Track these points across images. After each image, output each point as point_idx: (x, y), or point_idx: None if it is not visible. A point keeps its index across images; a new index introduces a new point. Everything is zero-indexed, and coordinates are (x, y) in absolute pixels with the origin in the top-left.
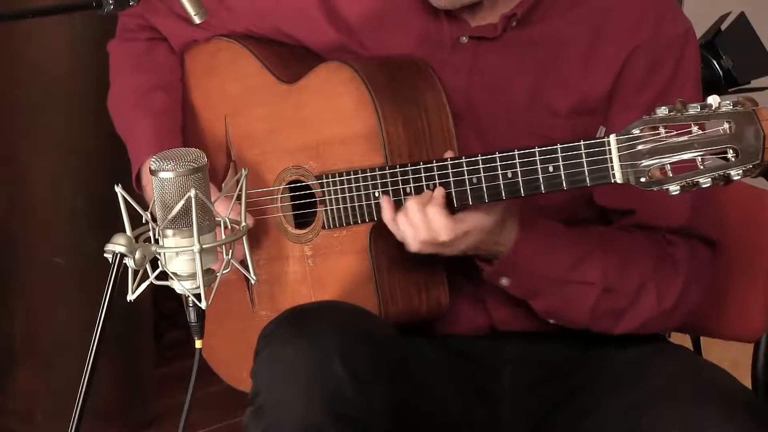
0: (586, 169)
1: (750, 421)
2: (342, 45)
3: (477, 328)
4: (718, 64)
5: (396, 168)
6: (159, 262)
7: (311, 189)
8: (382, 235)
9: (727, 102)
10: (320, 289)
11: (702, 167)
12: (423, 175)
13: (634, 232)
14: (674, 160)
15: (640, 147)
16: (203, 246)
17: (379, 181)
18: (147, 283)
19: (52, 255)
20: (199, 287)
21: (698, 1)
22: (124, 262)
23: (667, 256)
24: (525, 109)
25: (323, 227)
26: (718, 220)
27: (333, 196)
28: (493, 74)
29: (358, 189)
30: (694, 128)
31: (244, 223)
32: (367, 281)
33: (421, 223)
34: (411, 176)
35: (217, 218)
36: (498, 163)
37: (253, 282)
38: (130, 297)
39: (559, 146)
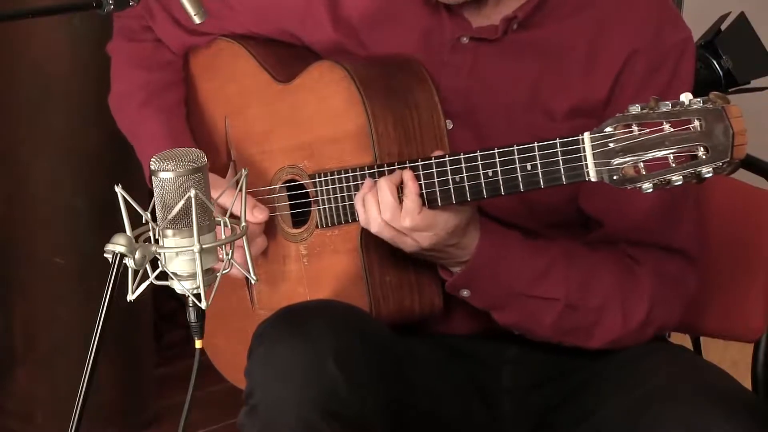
0: (561, 167)
1: (750, 422)
2: (342, 45)
3: (473, 327)
4: (718, 64)
5: (384, 167)
6: (159, 262)
7: (306, 188)
8: (373, 235)
9: (698, 99)
10: (315, 288)
11: (674, 165)
12: None
13: (600, 248)
14: (646, 158)
15: (612, 144)
16: (203, 246)
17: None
18: (147, 283)
19: (52, 255)
20: (199, 287)
21: (698, 1)
22: (124, 262)
23: (631, 274)
24: (524, 110)
25: (317, 226)
26: (698, 226)
27: (325, 196)
28: (493, 75)
29: (348, 188)
30: (666, 126)
31: (244, 223)
32: (359, 280)
33: (389, 203)
34: None
35: (216, 218)
36: (479, 162)
37: (252, 282)
38: (130, 297)
39: (536, 144)
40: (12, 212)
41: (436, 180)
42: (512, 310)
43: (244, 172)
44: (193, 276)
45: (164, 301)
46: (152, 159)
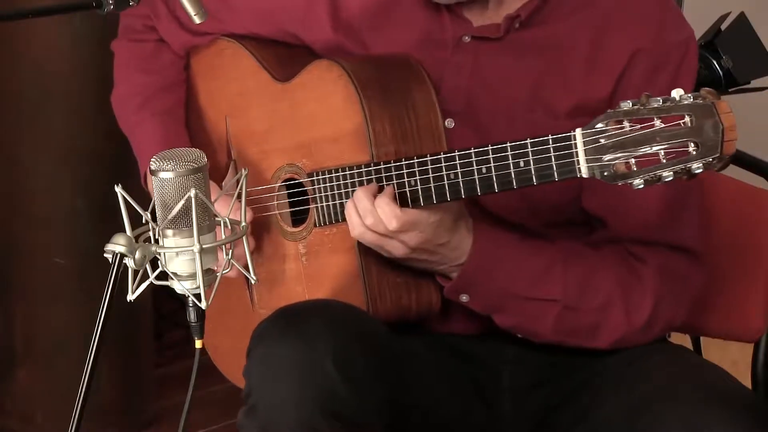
0: (554, 163)
1: (750, 422)
2: (343, 45)
3: (473, 327)
4: (718, 64)
5: (380, 165)
6: (159, 262)
7: (305, 187)
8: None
9: (688, 95)
10: (313, 287)
11: (664, 161)
12: (405, 171)
13: (602, 247)
14: (637, 154)
15: (603, 141)
16: (203, 246)
17: (364, 178)
18: (147, 283)
19: (52, 255)
20: (199, 287)
21: (698, 1)
22: (124, 262)
23: (634, 272)
24: (526, 109)
25: (315, 225)
26: (704, 227)
27: (323, 194)
28: (495, 74)
29: (345, 186)
30: (657, 122)
31: (244, 223)
32: (356, 279)
33: (367, 208)
34: (394, 173)
35: (217, 218)
36: (473, 159)
37: (252, 282)
38: (130, 297)
39: (528, 141)
40: (12, 212)
41: (431, 176)
42: (511, 312)
43: (244, 172)
44: (193, 276)
45: (164, 301)
46: (152, 159)
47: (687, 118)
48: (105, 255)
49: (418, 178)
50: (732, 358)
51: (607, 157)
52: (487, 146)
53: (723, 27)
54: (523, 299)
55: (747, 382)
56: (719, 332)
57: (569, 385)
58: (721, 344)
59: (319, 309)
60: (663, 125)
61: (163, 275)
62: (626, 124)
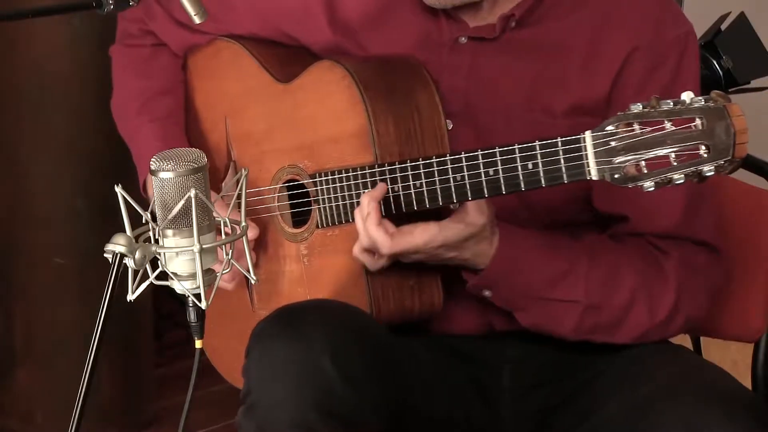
0: (563, 165)
1: (750, 422)
2: (341, 46)
3: (474, 327)
4: (718, 64)
5: (384, 167)
6: (159, 262)
7: (306, 188)
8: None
9: (700, 98)
10: (315, 288)
11: (675, 164)
12: (410, 173)
13: (625, 241)
14: (648, 157)
15: (614, 143)
16: (203, 246)
17: (368, 179)
18: (147, 283)
19: (52, 255)
20: (199, 287)
21: (698, 1)
22: (124, 262)
23: (657, 266)
24: (523, 109)
25: (317, 226)
26: (720, 223)
27: (325, 195)
28: (492, 75)
29: (348, 188)
30: (668, 124)
31: (243, 223)
32: (359, 280)
33: (363, 232)
34: (399, 174)
35: (217, 218)
36: (480, 161)
37: (253, 282)
38: (130, 297)
39: (537, 143)
40: (12, 212)
41: (437, 179)
42: (533, 312)
43: (244, 172)
44: (193, 276)
45: (164, 301)
46: (152, 159)
47: (698, 121)
48: (105, 255)
49: (423, 180)
50: (732, 358)
51: (617, 159)
52: (495, 148)
53: (723, 27)
54: (545, 300)
55: (747, 382)
56: (719, 332)
57: (570, 386)
58: (721, 344)
59: (318, 308)
60: (674, 128)
61: (163, 275)
62: (636, 126)
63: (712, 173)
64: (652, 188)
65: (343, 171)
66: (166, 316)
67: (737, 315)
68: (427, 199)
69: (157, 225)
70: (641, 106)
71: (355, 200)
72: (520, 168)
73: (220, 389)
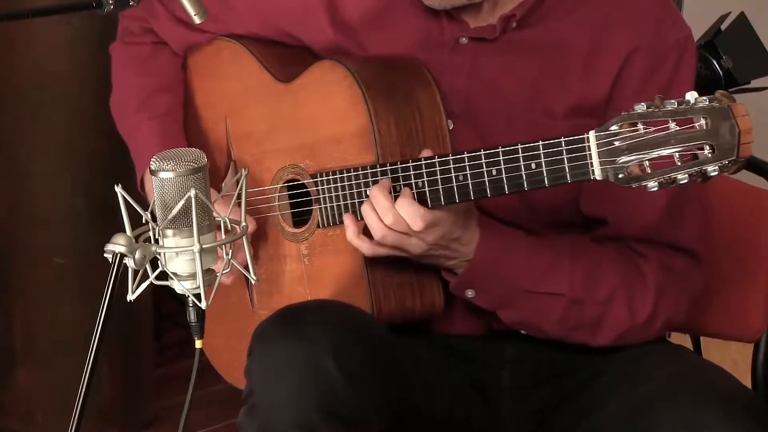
0: (566, 165)
1: (751, 422)
2: (342, 46)
3: (474, 327)
4: (718, 64)
5: (386, 166)
6: (159, 262)
7: (307, 188)
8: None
9: (704, 98)
10: (315, 288)
11: (679, 163)
12: (412, 173)
13: (605, 243)
14: (652, 157)
15: (618, 143)
16: (203, 246)
17: (370, 179)
18: (147, 283)
19: (52, 255)
20: (199, 287)
21: (698, 1)
22: (124, 262)
23: (635, 267)
24: (524, 109)
25: (318, 226)
26: (704, 228)
27: (327, 195)
28: (493, 75)
29: (350, 187)
30: (672, 124)
31: (244, 223)
32: (360, 280)
33: (387, 207)
34: (400, 174)
35: (217, 218)
36: (483, 161)
37: (253, 282)
38: (130, 297)
39: (540, 143)
40: (12, 212)
41: (439, 178)
42: (517, 307)
43: (244, 172)
44: (193, 276)
45: (164, 301)
46: (152, 159)
47: (702, 121)
48: (105, 255)
49: (426, 179)
50: (732, 358)
51: (621, 159)
52: (498, 148)
53: (723, 27)
54: (529, 294)
55: (747, 382)
56: (719, 332)
57: (569, 386)
58: (721, 344)
59: (320, 309)
60: (678, 128)
61: (163, 275)
62: (640, 126)
63: (716, 173)
64: (656, 188)
65: (345, 171)
66: (166, 316)
67: (737, 315)
68: (429, 199)
69: (157, 225)
70: (645, 106)
71: (357, 200)
72: (523, 168)
73: (220, 389)
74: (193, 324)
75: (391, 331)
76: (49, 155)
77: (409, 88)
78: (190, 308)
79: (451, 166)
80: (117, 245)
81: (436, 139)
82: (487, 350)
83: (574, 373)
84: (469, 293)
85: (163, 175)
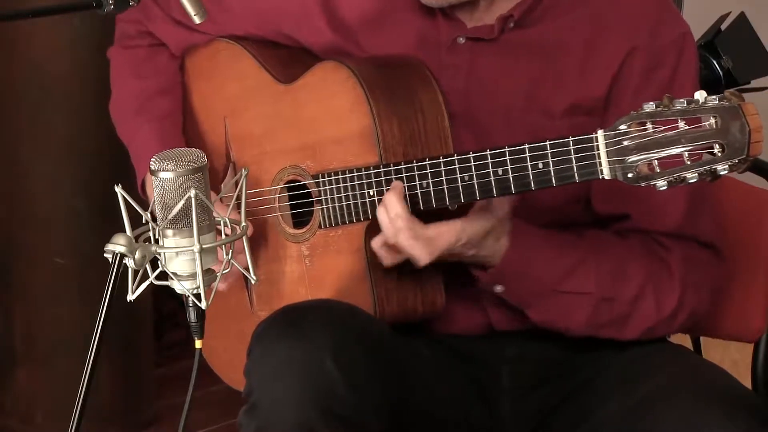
0: (574, 165)
1: (750, 421)
2: (340, 47)
3: (474, 327)
4: (718, 64)
5: (390, 167)
6: (159, 262)
7: (308, 189)
8: (377, 235)
9: (714, 97)
10: (317, 288)
11: (688, 162)
12: (416, 173)
13: (628, 236)
14: (661, 156)
15: (627, 142)
16: (203, 246)
17: (373, 180)
18: (147, 283)
19: (52, 255)
20: (199, 287)
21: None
22: (124, 262)
23: (661, 260)
24: (522, 110)
25: (320, 227)
26: (720, 222)
27: (329, 196)
28: (491, 75)
29: (353, 188)
30: (681, 123)
31: (244, 223)
32: (363, 280)
33: (392, 232)
34: (404, 175)
35: (217, 218)
36: (489, 161)
37: (253, 282)
38: (130, 297)
39: (548, 142)
40: (12, 212)
41: (444, 178)
42: (545, 306)
43: (244, 172)
44: (193, 276)
45: (164, 301)
46: (152, 159)
47: (712, 120)
48: (105, 255)
49: (430, 180)
50: (732, 358)
51: (630, 158)
52: (504, 148)
53: (723, 27)
54: (558, 293)
55: (747, 382)
56: (719, 332)
57: (569, 386)
58: (721, 344)
59: (320, 308)
60: (687, 127)
61: (163, 275)
62: (649, 125)
63: (726, 172)
64: (665, 187)
65: (347, 171)
66: (166, 316)
67: (737, 315)
68: (434, 200)
69: (157, 225)
70: (654, 106)
71: (359, 200)
72: (530, 167)
73: (220, 389)
74: (193, 324)
75: (392, 331)
76: (49, 155)
77: (412, 89)
78: (190, 308)
79: (456, 166)
80: (117, 245)
81: (439, 140)
82: (487, 350)
83: (574, 373)
84: (498, 288)
85: (163, 175)
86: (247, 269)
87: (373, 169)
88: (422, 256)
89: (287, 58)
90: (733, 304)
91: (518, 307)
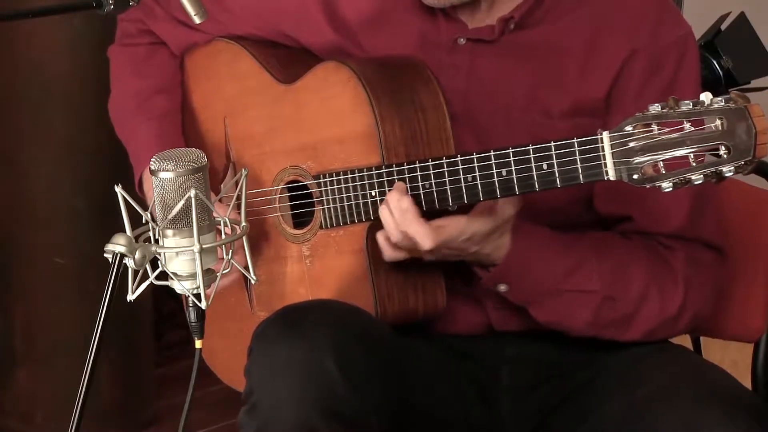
0: (579, 166)
1: (750, 422)
2: (340, 47)
3: (474, 327)
4: (718, 64)
5: (392, 167)
6: (159, 262)
7: (309, 189)
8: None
9: (719, 99)
10: (317, 289)
11: (694, 164)
12: (419, 174)
13: (632, 237)
14: (666, 157)
15: (632, 144)
16: (203, 246)
17: (375, 180)
18: (147, 283)
19: (52, 255)
20: (199, 287)
21: (698, 1)
22: (124, 262)
23: (665, 261)
24: (523, 111)
25: (321, 227)
26: (722, 224)
27: (330, 196)
28: (491, 76)
29: (354, 189)
30: (687, 125)
31: (244, 224)
32: (364, 281)
33: (393, 229)
34: (407, 175)
35: (217, 218)
36: (493, 161)
37: (253, 282)
38: (130, 297)
39: (553, 144)
40: (12, 212)
41: (447, 179)
42: (549, 305)
43: (244, 172)
44: (193, 276)
45: (164, 301)
46: (152, 159)
47: (718, 122)
48: (105, 255)
49: (433, 181)
50: (732, 358)
51: (635, 160)
52: (508, 149)
53: (723, 27)
54: (562, 291)
55: (747, 382)
56: (719, 332)
57: (569, 386)
58: (721, 344)
59: (321, 308)
60: (693, 128)
61: (163, 275)
62: (655, 127)
63: (732, 174)
64: (670, 189)
65: (349, 172)
66: (166, 316)
67: (737, 315)
68: (436, 200)
69: (157, 225)
70: (660, 107)
71: (360, 201)
72: (534, 168)
73: (220, 389)
74: (193, 324)
75: (392, 331)
76: (49, 155)
77: (413, 89)
78: (190, 308)
79: (460, 167)
80: (117, 245)
81: (440, 140)
82: (487, 350)
83: (574, 373)
84: (502, 287)
85: (163, 175)
86: (247, 269)
87: (376, 169)
88: (425, 240)
89: (287, 59)
90: (733, 304)
91: (522, 306)
